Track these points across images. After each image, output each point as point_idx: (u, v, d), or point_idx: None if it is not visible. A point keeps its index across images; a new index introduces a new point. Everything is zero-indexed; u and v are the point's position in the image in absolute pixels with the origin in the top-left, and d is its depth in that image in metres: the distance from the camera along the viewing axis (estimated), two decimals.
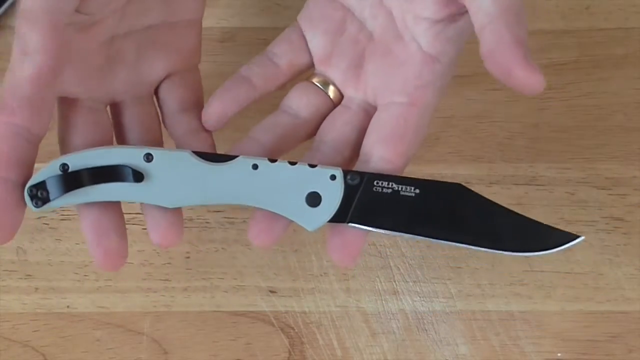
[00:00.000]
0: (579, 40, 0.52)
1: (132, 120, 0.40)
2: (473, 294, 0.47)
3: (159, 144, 0.40)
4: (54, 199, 0.35)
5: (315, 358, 0.45)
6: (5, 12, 0.53)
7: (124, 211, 0.48)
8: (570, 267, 0.47)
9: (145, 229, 0.48)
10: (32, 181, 0.35)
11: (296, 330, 0.46)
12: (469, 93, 0.50)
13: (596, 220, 0.48)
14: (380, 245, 0.48)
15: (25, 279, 0.47)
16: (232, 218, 0.48)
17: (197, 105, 0.41)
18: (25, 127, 0.34)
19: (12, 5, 0.53)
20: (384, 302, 0.47)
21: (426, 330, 0.46)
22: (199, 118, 0.40)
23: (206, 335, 0.46)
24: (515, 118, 0.50)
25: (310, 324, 0.46)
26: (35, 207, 0.35)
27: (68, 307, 0.46)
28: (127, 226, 0.48)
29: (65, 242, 0.48)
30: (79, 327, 0.46)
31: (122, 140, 0.40)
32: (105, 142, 0.38)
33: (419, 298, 0.47)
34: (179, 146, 0.40)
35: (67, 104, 0.38)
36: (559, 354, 0.45)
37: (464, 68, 0.52)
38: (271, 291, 0.47)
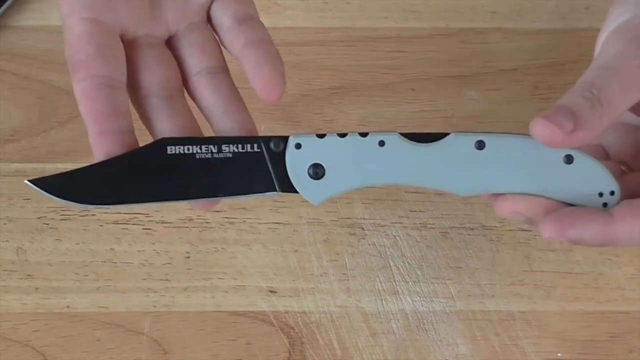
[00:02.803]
0: (579, 40, 0.52)
1: (192, 48, 0.39)
2: (473, 294, 0.47)
3: (223, 69, 0.39)
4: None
5: (315, 358, 0.45)
6: (5, 12, 0.53)
7: (124, 211, 0.48)
8: (570, 267, 0.47)
9: (145, 229, 0.48)
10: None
11: (296, 330, 0.46)
12: (469, 93, 0.50)
13: None
14: (380, 245, 0.48)
15: (25, 279, 0.47)
16: (232, 218, 0.48)
17: (252, 17, 0.39)
18: (105, 75, 0.34)
19: (12, 5, 0.53)
20: (384, 302, 0.47)
21: (426, 330, 0.46)
22: (257, 29, 0.39)
23: (206, 335, 0.46)
24: (515, 118, 0.50)
25: (310, 324, 0.46)
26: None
27: (68, 307, 0.46)
28: (127, 226, 0.48)
29: (65, 242, 0.48)
30: (79, 327, 0.46)
31: (186, 73, 0.39)
32: (172, 77, 0.37)
33: (419, 298, 0.47)
34: (242, 59, 0.38)
35: (128, 46, 0.37)
36: (559, 354, 0.45)
37: (464, 68, 0.52)
38: (271, 291, 0.47)
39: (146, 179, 0.35)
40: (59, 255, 0.47)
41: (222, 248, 0.48)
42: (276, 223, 0.48)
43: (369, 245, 0.48)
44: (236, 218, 0.48)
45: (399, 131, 0.35)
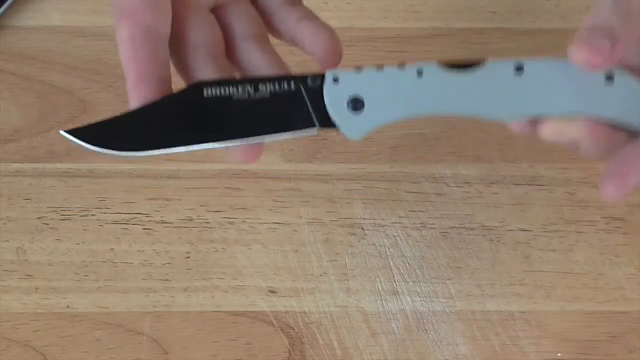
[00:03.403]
0: None
1: (240, 16, 0.39)
2: (473, 294, 0.47)
3: (266, 38, 0.39)
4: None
5: (315, 358, 0.45)
6: (5, 12, 0.53)
7: (124, 211, 0.48)
8: (570, 267, 0.47)
9: (145, 229, 0.48)
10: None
11: (296, 330, 0.46)
12: None
13: (596, 220, 0.48)
14: (380, 245, 0.48)
15: (25, 279, 0.47)
16: (232, 218, 0.48)
17: (300, 2, 0.40)
18: (152, 25, 0.34)
19: (12, 5, 0.53)
20: (384, 302, 0.47)
21: (426, 330, 0.46)
22: (307, 8, 0.39)
23: (206, 335, 0.46)
24: None
25: (310, 324, 0.46)
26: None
27: (68, 307, 0.46)
28: (127, 226, 0.48)
29: (65, 242, 0.48)
30: (79, 327, 0.46)
31: (232, 39, 0.39)
32: (218, 41, 0.37)
33: (419, 298, 0.47)
34: (297, 32, 0.38)
35: (175, 3, 0.37)
36: (559, 354, 0.45)
37: None
38: (271, 291, 0.47)
39: (184, 122, 0.35)
40: (59, 255, 0.47)
41: (222, 248, 0.48)
42: (276, 223, 0.48)
43: (369, 245, 0.48)
44: (236, 218, 0.48)
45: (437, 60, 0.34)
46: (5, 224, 0.48)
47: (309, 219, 0.48)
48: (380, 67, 0.34)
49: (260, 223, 0.48)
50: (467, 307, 0.46)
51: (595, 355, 0.45)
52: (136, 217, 0.48)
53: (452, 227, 0.48)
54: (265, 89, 0.35)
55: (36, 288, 0.47)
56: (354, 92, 0.34)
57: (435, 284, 0.47)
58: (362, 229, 0.48)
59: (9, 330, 0.46)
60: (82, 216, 0.48)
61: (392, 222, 0.48)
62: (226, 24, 0.39)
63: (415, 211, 0.48)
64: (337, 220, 0.48)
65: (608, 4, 0.34)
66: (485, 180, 0.49)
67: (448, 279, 0.47)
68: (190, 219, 0.48)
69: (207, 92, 0.35)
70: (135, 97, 0.34)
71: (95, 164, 0.49)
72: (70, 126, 0.50)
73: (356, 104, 0.34)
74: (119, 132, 0.35)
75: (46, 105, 0.51)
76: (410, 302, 0.47)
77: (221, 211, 0.48)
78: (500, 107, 0.34)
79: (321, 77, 0.35)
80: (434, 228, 0.48)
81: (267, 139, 0.35)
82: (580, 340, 0.46)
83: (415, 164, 0.49)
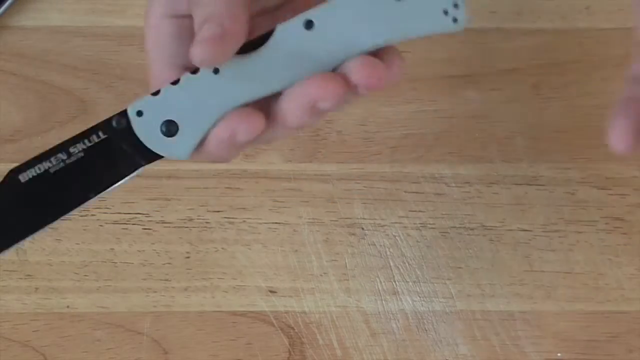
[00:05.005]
0: (579, 40, 0.52)
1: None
2: (473, 294, 0.47)
3: None
4: None
5: (315, 358, 0.45)
6: (5, 12, 0.53)
7: (124, 211, 0.48)
8: (570, 267, 0.47)
9: (145, 229, 0.48)
10: None
11: (296, 330, 0.46)
12: (469, 93, 0.50)
13: (596, 220, 0.48)
14: (380, 245, 0.48)
15: (25, 279, 0.47)
16: (232, 218, 0.48)
17: None
18: None
19: (12, 5, 0.53)
20: (384, 302, 0.47)
21: (426, 330, 0.46)
22: None
23: (206, 335, 0.46)
24: (515, 118, 0.50)
25: (310, 324, 0.46)
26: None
27: (68, 307, 0.46)
28: (127, 226, 0.48)
29: (65, 242, 0.48)
30: (79, 327, 0.46)
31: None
32: None
33: (419, 298, 0.47)
34: None
35: None
36: (559, 354, 0.45)
37: (464, 68, 0.52)
38: (271, 291, 0.47)
39: (16, 214, 0.34)
40: (59, 255, 0.47)
41: (222, 248, 0.48)
42: (276, 223, 0.48)
43: (369, 245, 0.48)
44: (236, 218, 0.48)
45: None
46: None
47: (309, 219, 0.48)
48: (175, 81, 0.33)
49: (260, 223, 0.48)
50: (467, 307, 0.46)
51: (595, 355, 0.45)
52: (136, 217, 0.48)
53: (452, 227, 0.48)
54: (77, 149, 0.34)
55: (36, 288, 0.47)
56: (162, 117, 0.33)
57: (435, 284, 0.47)
58: (362, 229, 0.48)
59: (9, 330, 0.46)
60: (82, 216, 0.48)
61: (392, 222, 0.48)
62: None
63: (415, 211, 0.48)
64: (337, 220, 0.48)
65: None
66: (485, 180, 0.49)
67: (448, 279, 0.47)
68: (190, 219, 0.48)
69: (23, 177, 0.34)
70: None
71: None
72: (70, 126, 0.50)
73: (170, 129, 0.33)
74: None
75: (46, 105, 0.51)
76: (410, 302, 0.46)
77: (221, 211, 0.48)
78: (299, 71, 0.32)
79: (125, 116, 0.33)
80: (434, 228, 0.48)
81: (103, 195, 0.34)
82: (580, 340, 0.46)
83: (415, 164, 0.49)
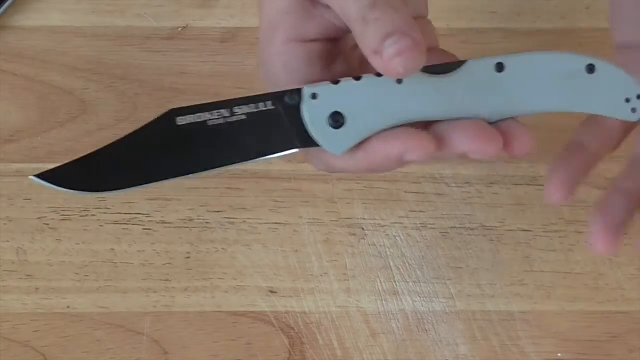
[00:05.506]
0: (579, 40, 0.52)
1: None
2: (473, 294, 0.47)
3: None
4: None
5: (315, 358, 0.45)
6: (5, 12, 0.53)
7: (124, 211, 0.48)
8: (570, 267, 0.47)
9: (145, 229, 0.48)
10: None
11: (296, 330, 0.46)
12: None
13: None
14: (380, 245, 0.48)
15: (25, 279, 0.47)
16: (232, 218, 0.48)
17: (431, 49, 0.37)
18: None
19: (12, 5, 0.53)
20: (384, 302, 0.47)
21: (426, 330, 0.46)
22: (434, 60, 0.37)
23: (206, 335, 0.46)
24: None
25: (310, 324, 0.46)
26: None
27: (68, 307, 0.46)
28: (127, 226, 0.48)
29: (65, 242, 0.48)
30: (79, 327, 0.46)
31: None
32: None
33: (419, 298, 0.47)
34: None
35: None
36: (559, 354, 0.45)
37: None
38: (271, 291, 0.47)
39: (159, 154, 0.33)
40: (59, 255, 0.47)
41: (222, 248, 0.47)
42: (276, 223, 0.48)
43: (369, 245, 0.48)
44: (236, 218, 0.48)
45: None
46: (5, 224, 0.48)
47: (309, 219, 0.48)
48: (358, 77, 0.33)
49: (260, 223, 0.48)
50: (467, 307, 0.46)
51: (595, 355, 0.45)
52: (136, 217, 0.48)
53: (452, 227, 0.48)
54: (241, 111, 0.33)
55: (36, 288, 0.47)
56: (334, 107, 0.33)
57: (435, 284, 0.47)
58: (362, 229, 0.48)
59: (9, 330, 0.46)
60: (82, 216, 0.48)
61: (392, 222, 0.48)
62: None
63: (415, 211, 0.48)
64: (337, 220, 0.48)
65: None
66: (485, 180, 0.49)
67: (448, 279, 0.47)
68: (190, 219, 0.48)
69: (180, 119, 0.33)
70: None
71: None
72: (70, 126, 0.50)
73: (337, 120, 0.33)
74: (94, 171, 0.33)
75: (46, 105, 0.51)
76: (410, 302, 0.46)
77: (221, 211, 0.48)
78: (483, 107, 0.33)
79: (299, 94, 0.33)
80: (434, 228, 0.48)
81: (248, 164, 0.34)
82: (580, 340, 0.46)
83: (415, 164, 0.49)
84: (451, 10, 0.53)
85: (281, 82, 0.34)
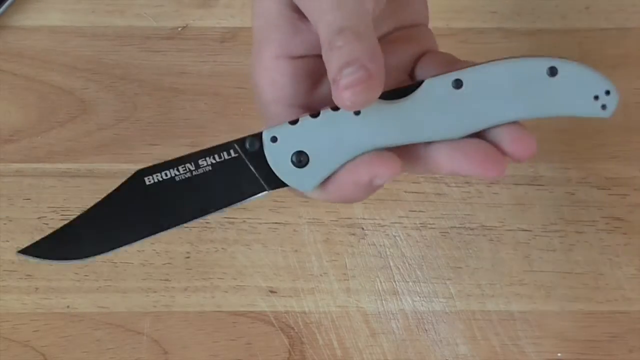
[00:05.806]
0: (579, 40, 0.52)
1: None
2: (473, 294, 0.47)
3: None
4: None
5: (315, 358, 0.45)
6: (5, 12, 0.53)
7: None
8: (570, 267, 0.47)
9: None
10: None
11: (296, 330, 0.46)
12: None
13: (596, 220, 0.48)
14: (380, 245, 0.48)
15: (25, 279, 0.47)
16: (232, 218, 0.48)
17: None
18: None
19: (12, 5, 0.53)
20: (384, 302, 0.47)
21: (426, 330, 0.46)
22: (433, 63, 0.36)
23: (206, 335, 0.46)
24: None
25: (310, 324, 0.46)
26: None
27: (68, 307, 0.46)
28: None
29: None
30: (79, 327, 0.46)
31: None
32: None
33: (419, 298, 0.47)
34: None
35: None
36: (559, 354, 0.45)
37: None
38: (271, 291, 0.47)
39: (132, 217, 0.34)
40: None
41: (222, 248, 0.48)
42: (276, 223, 0.48)
43: (369, 245, 0.48)
44: (236, 218, 0.48)
45: None
46: (5, 224, 0.48)
47: (309, 219, 0.48)
48: (315, 114, 0.33)
49: (260, 223, 0.48)
50: (467, 307, 0.46)
51: (595, 355, 0.45)
52: None
53: (452, 227, 0.48)
54: (206, 162, 0.34)
55: (36, 288, 0.47)
56: (295, 147, 0.33)
57: (435, 284, 0.47)
58: (362, 229, 0.48)
59: (9, 330, 0.46)
60: None
61: (392, 222, 0.48)
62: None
63: (415, 211, 0.48)
64: (337, 220, 0.48)
65: None
66: (485, 180, 0.49)
67: (448, 279, 0.47)
68: None
69: (149, 179, 0.34)
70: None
71: (95, 164, 0.49)
72: (70, 126, 0.50)
73: (300, 160, 0.33)
74: (72, 241, 0.34)
75: (46, 105, 0.51)
76: (410, 302, 0.47)
77: None
78: (445, 127, 0.33)
79: (259, 139, 0.34)
80: (434, 228, 0.48)
81: (220, 212, 0.34)
82: (580, 340, 0.46)
83: None
84: (451, 10, 0.53)
85: (267, 99, 0.35)
